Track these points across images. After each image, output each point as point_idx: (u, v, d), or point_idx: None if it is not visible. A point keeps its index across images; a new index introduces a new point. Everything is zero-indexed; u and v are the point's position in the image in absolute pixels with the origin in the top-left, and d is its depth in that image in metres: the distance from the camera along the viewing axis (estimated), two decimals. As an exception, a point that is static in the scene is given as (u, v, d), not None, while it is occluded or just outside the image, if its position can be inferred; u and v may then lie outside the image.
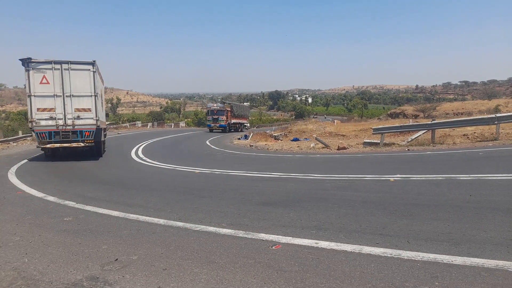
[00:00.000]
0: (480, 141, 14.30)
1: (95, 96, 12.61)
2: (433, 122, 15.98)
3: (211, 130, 37.91)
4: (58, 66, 12.29)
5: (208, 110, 39.97)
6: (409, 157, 11.22)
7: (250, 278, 2.93)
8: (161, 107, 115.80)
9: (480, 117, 16.04)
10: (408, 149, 13.47)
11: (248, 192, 6.75)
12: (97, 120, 12.76)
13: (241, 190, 7.11)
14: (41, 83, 12.18)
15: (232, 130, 39.86)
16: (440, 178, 6.84)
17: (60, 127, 12.45)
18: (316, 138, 19.04)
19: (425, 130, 15.89)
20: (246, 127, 46.48)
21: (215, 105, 40.43)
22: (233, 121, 40.31)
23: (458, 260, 3.02)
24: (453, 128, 17.40)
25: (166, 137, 28.33)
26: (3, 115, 56.20)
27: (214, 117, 38.09)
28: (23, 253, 3.80)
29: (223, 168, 10.68)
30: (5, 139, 22.12)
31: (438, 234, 3.72)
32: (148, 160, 13.61)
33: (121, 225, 4.77)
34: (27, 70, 12.07)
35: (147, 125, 50.29)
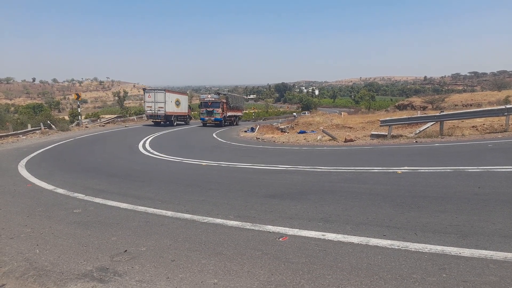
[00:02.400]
0: (490, 132, 14.13)
1: (164, 102, 31.41)
2: (442, 113, 15.81)
3: (204, 124, 34.09)
4: (153, 91, 32.05)
5: (201, 102, 35.54)
6: (417, 149, 11.14)
7: (257, 269, 2.96)
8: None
9: (489, 108, 15.84)
10: (416, 141, 13.37)
11: (255, 185, 6.77)
12: (165, 111, 31.58)
13: (248, 182, 7.13)
14: (148, 97, 31.76)
15: (227, 124, 36.40)
16: (449, 170, 6.79)
17: (153, 113, 31.81)
18: (323, 131, 18.97)
19: (433, 122, 15.74)
20: (240, 119, 43.44)
21: (209, 96, 36.12)
22: (228, 114, 36.46)
23: (466, 252, 3.01)
24: (462, 120, 17.21)
25: (173, 130, 28.43)
26: (12, 108, 56.77)
27: (208, 109, 34.03)
28: (35, 244, 3.87)
29: (230, 160, 10.71)
30: (14, 132, 22.34)
31: (446, 226, 3.71)
32: (156, 153, 13.69)
33: (130, 217, 4.83)
34: (144, 93, 32.42)
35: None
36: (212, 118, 33.94)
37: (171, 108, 32.53)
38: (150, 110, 31.63)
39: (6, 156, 14.63)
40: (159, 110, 31.34)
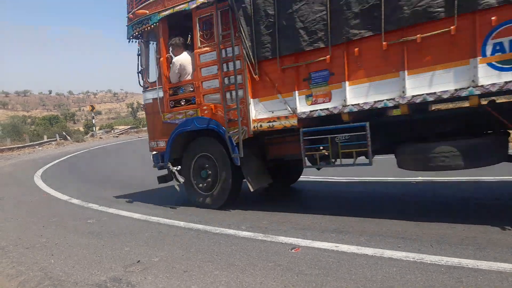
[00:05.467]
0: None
1: None
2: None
3: None
4: None
5: None
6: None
7: (270, 281, 2.93)
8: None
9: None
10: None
11: (267, 195, 6.74)
12: None
13: (260, 192, 7.11)
14: None
15: None
16: (464, 179, 6.66)
17: None
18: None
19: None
20: None
21: None
22: None
23: (483, 264, 2.93)
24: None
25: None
26: (29, 120, 58.13)
27: None
28: (49, 254, 3.92)
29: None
30: (31, 143, 22.88)
31: (463, 238, 3.63)
32: (168, 163, 13.78)
33: (143, 227, 4.86)
34: None
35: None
36: None
37: None
38: None
39: (23, 167, 14.96)
40: None
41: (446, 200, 5.37)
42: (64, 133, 27.71)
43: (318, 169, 5.46)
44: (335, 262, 3.23)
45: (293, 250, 3.60)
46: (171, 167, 5.84)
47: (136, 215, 5.51)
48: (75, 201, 7.04)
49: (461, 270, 2.86)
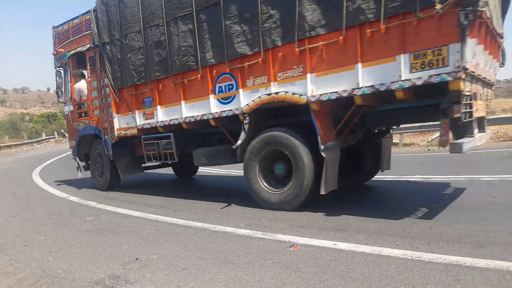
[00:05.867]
0: (504, 140, 13.89)
1: None
2: (454, 121, 15.58)
3: None
4: None
5: None
6: (430, 157, 11.01)
7: (268, 278, 2.94)
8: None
9: (503, 116, 15.57)
10: (429, 149, 13.22)
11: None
12: None
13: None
14: None
15: None
16: (462, 178, 6.68)
17: None
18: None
19: (446, 130, 15.50)
20: None
21: None
22: None
23: (481, 262, 2.94)
24: (475, 128, 16.93)
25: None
26: (27, 117, 57.90)
27: None
28: (48, 252, 3.92)
29: (240, 168, 10.71)
30: (29, 141, 22.82)
31: (460, 236, 3.64)
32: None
33: (141, 225, 4.86)
34: None
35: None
36: None
37: None
38: None
39: (21, 164, 14.94)
40: None
41: (443, 198, 5.39)
42: (62, 130, 27.64)
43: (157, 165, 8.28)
44: (333, 260, 3.24)
45: (291, 248, 3.61)
46: (77, 160, 8.64)
47: (135, 213, 5.51)
48: (73, 198, 7.03)
49: (458, 268, 2.88)
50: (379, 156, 6.00)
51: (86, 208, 6.10)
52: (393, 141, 16.12)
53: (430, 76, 3.72)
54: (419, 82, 3.79)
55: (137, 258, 3.57)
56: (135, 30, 6.30)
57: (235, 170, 10.22)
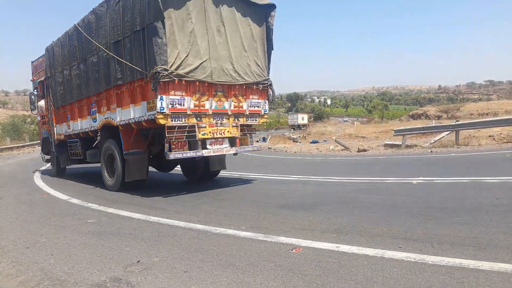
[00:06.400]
0: (507, 142, 13.85)
1: None
2: (457, 123, 15.58)
3: None
4: None
5: None
6: (433, 159, 10.97)
7: (270, 281, 2.92)
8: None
9: (506, 117, 15.53)
10: (431, 151, 13.18)
11: (267, 195, 6.74)
12: None
13: (260, 192, 7.11)
14: None
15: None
16: (465, 180, 6.65)
17: None
18: (335, 140, 18.88)
19: (449, 132, 15.50)
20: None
21: None
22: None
23: (485, 265, 2.92)
24: (478, 129, 16.91)
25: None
26: (29, 119, 58.04)
27: None
28: (49, 254, 3.91)
29: (242, 170, 10.71)
30: (31, 143, 22.85)
31: (464, 238, 3.61)
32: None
33: (143, 227, 4.85)
34: None
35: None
36: None
37: None
38: None
39: (23, 166, 14.96)
40: None
41: (447, 200, 5.36)
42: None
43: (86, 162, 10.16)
44: (336, 262, 3.22)
45: (293, 251, 3.59)
46: (42, 154, 12.45)
47: (136, 215, 5.50)
48: (74, 200, 7.03)
49: (462, 271, 2.85)
50: (208, 161, 8.49)
51: (88, 211, 6.09)
52: (395, 142, 16.11)
53: (152, 114, 6.35)
54: (152, 117, 6.38)
55: (138, 261, 3.55)
56: (58, 70, 9.66)
57: (237, 172, 10.21)
